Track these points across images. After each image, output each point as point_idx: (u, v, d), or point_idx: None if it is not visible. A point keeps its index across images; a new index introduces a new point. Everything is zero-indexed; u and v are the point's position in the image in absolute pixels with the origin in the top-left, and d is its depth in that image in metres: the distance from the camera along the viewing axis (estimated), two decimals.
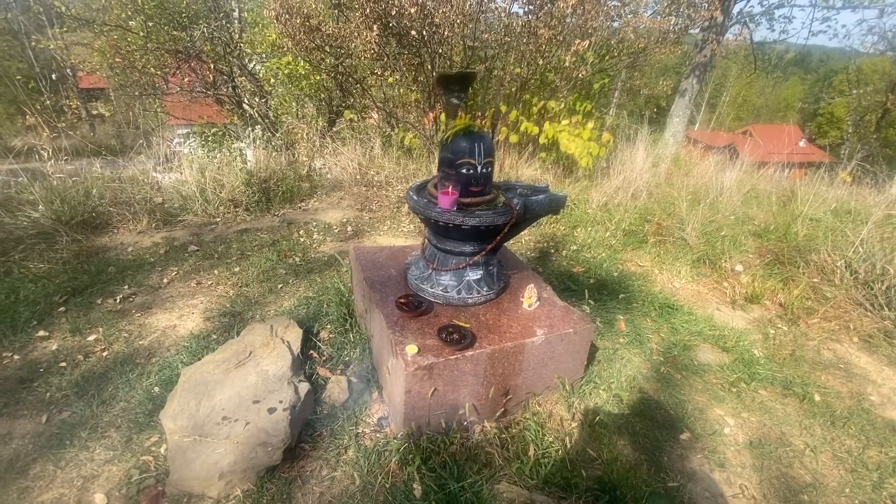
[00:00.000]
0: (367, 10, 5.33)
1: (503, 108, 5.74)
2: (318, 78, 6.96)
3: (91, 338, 2.29)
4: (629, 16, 7.07)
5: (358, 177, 4.97)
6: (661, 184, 5.86)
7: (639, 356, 2.47)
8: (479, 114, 6.60)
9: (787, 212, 4.89)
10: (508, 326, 1.75)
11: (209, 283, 2.89)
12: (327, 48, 5.98)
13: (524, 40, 5.73)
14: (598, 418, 1.82)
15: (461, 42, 5.75)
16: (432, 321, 1.75)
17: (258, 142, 5.39)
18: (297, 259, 3.27)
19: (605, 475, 1.58)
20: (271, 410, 1.71)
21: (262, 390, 1.81)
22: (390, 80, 6.42)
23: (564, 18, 5.61)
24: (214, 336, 2.35)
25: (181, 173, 4.20)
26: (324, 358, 2.12)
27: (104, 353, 2.19)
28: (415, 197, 1.78)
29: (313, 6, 6.07)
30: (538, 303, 1.90)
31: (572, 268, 3.54)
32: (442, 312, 1.82)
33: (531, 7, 5.70)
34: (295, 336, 2.16)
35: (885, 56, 13.89)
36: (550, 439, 1.71)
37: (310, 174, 5.21)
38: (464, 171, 1.69)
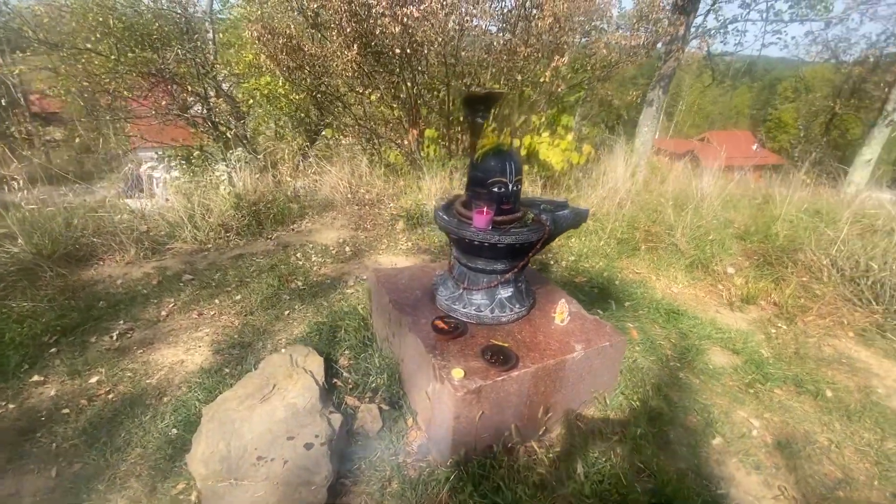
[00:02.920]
0: (348, 30, 5.35)
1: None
2: (298, 97, 6.88)
3: (93, 380, 2.14)
4: (599, 33, 7.35)
5: (349, 196, 4.91)
6: (640, 192, 6.04)
7: (657, 364, 2.50)
8: (457, 129, 6.68)
9: (765, 214, 5.12)
10: (546, 343, 1.74)
11: (211, 313, 2.76)
12: (307, 68, 5.94)
13: (504, 58, 5.84)
14: (638, 431, 1.82)
15: (442, 60, 5.82)
16: (469, 342, 1.72)
17: (240, 164, 5.26)
18: (300, 283, 3.17)
19: (658, 487, 1.58)
20: (308, 446, 1.63)
21: (293, 425, 1.73)
22: (372, 97, 6.43)
23: (541, 35, 5.77)
24: (227, 369, 2.24)
25: (167, 199, 4.03)
26: (350, 386, 2.05)
27: (110, 396, 2.05)
28: (445, 217, 1.76)
29: (293, 27, 6.04)
30: (569, 317, 1.90)
31: (574, 278, 3.57)
32: (477, 333, 1.79)
33: (506, 25, 5.85)
34: (317, 365, 2.08)
35: (828, 63, 14.89)
36: (596, 454, 1.70)
37: (297, 195, 5.12)
38: (495, 189, 1.69)
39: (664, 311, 3.11)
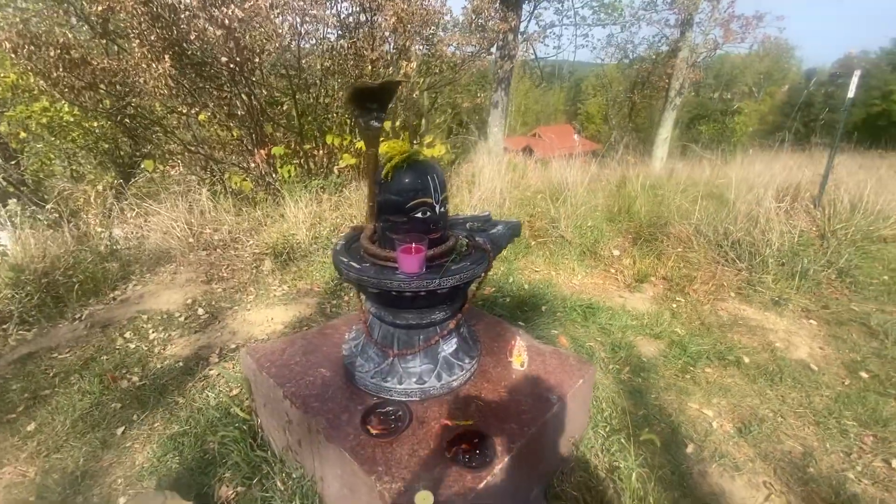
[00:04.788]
0: (153, 37, 4.30)
1: (331, 139, 5.17)
2: (97, 124, 5.40)
3: None
4: (437, 39, 7.36)
5: (191, 240, 3.88)
6: (511, 189, 6.11)
7: (600, 372, 2.29)
8: (313, 145, 5.99)
9: (622, 195, 5.55)
10: (517, 404, 1.33)
11: None
12: (102, 86, 4.66)
13: (351, 63, 5.35)
14: (633, 474, 1.52)
15: (283, 70, 5.11)
16: (421, 435, 1.22)
17: (17, 219, 3.82)
18: (135, 378, 2.25)
19: None
20: None
21: None
22: (202, 117, 5.37)
23: (386, 39, 5.46)
24: None
25: None
26: None
27: None
28: (354, 265, 1.22)
29: (70, 35, 4.65)
30: (527, 358, 1.53)
31: (482, 291, 3.28)
32: (426, 415, 1.29)
33: (345, 32, 5.40)
34: None
35: (622, 63, 17.68)
36: None
37: (114, 249, 3.90)
38: (419, 214, 1.21)
39: (579, 309, 2.99)
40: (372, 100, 1.26)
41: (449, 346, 1.39)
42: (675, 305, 3.12)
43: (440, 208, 1.26)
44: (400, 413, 1.25)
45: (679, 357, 2.47)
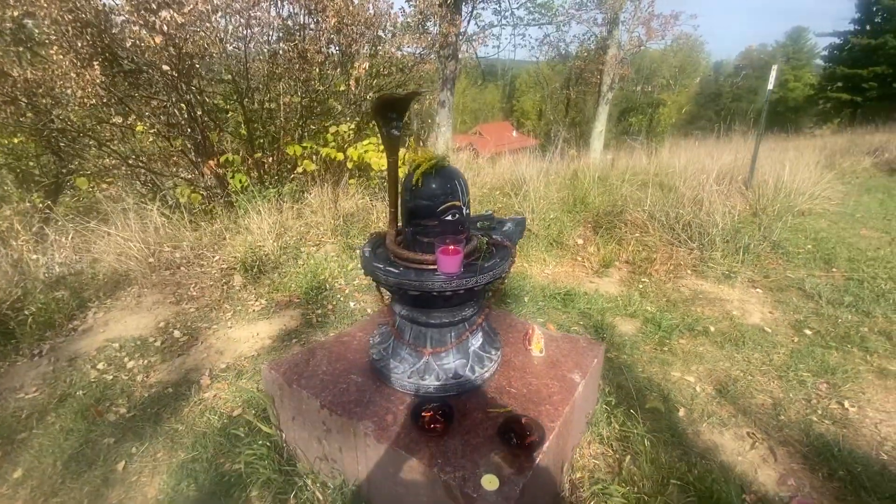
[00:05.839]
0: (80, 45, 4.00)
1: (292, 149, 5.02)
2: (16, 141, 4.90)
3: None
4: (381, 34, 7.36)
5: (151, 259, 3.65)
6: (470, 187, 6.23)
7: None
8: (261, 153, 5.80)
9: (575, 187, 5.86)
10: (546, 387, 1.43)
11: None
12: (24, 99, 4.26)
13: (296, 66, 5.22)
14: (645, 441, 1.67)
15: (229, 73, 4.91)
16: (469, 427, 1.28)
17: None
18: (123, 410, 2.12)
19: (686, 485, 1.45)
20: None
21: None
22: (139, 128, 5.04)
23: (330, 43, 5.40)
24: None
25: None
26: None
27: None
28: (392, 270, 1.26)
29: None
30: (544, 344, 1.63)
31: (504, 286, 3.37)
32: (466, 408, 1.36)
33: (284, 34, 5.28)
34: None
35: (555, 60, 18.42)
36: (623, 490, 1.47)
37: (60, 277, 3.59)
38: (449, 217, 1.28)
39: (558, 296, 3.16)
40: (392, 110, 1.31)
41: (476, 341, 1.46)
42: (641, 286, 3.38)
43: (466, 210, 1.33)
44: (444, 408, 1.31)
45: (655, 332, 2.70)
